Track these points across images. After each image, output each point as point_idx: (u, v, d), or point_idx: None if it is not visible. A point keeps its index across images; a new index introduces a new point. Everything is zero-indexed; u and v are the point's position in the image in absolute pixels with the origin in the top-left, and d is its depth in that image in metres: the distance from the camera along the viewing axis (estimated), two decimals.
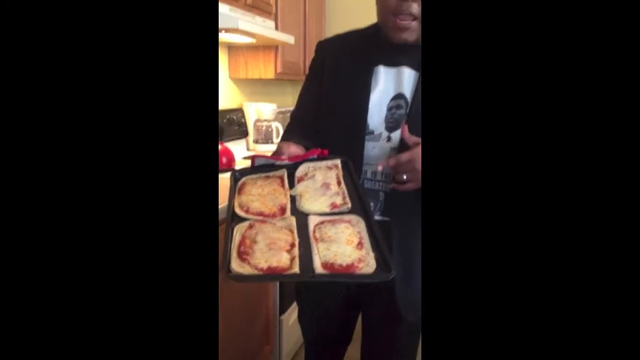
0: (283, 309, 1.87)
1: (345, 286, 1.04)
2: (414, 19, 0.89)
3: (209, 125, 0.53)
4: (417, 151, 0.84)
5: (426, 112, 0.55)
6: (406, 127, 0.89)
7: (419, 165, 0.83)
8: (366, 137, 0.95)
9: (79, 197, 0.49)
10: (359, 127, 0.95)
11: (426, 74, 0.54)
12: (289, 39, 2.30)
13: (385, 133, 0.95)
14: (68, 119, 0.49)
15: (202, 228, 0.51)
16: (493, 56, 0.50)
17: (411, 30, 0.90)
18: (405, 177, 0.85)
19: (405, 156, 0.84)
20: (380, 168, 0.88)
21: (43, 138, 0.49)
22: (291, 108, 1.16)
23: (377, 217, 0.95)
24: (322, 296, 1.10)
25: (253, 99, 2.69)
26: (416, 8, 0.88)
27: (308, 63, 1.17)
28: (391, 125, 0.95)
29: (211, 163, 0.53)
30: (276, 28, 2.35)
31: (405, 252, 0.96)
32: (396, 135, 0.94)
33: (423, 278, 0.52)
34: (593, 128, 0.47)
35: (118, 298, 0.49)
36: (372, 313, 1.09)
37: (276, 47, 2.40)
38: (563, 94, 0.48)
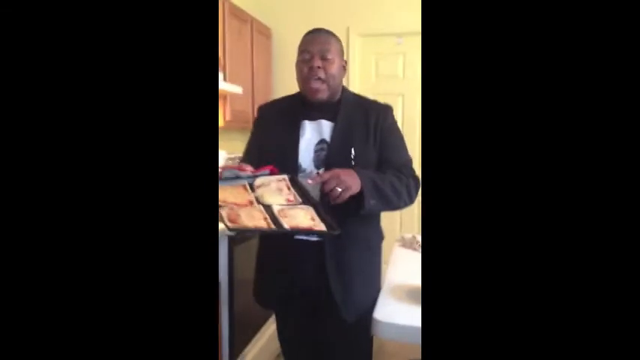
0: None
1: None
2: (323, 82, 1.21)
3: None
4: (333, 171, 1.07)
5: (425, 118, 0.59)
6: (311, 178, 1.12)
7: (342, 174, 1.06)
8: (299, 174, 1.21)
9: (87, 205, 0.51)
10: (293, 166, 1.22)
11: (426, 76, 0.61)
12: (237, 89, 2.40)
13: (315, 170, 1.23)
14: (66, 123, 0.51)
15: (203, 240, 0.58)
16: (491, 61, 0.51)
17: (322, 91, 1.22)
18: (338, 189, 1.05)
19: (326, 174, 1.07)
20: (310, 181, 1.09)
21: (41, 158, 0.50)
22: (241, 155, 1.40)
23: (313, 239, 1.22)
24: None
25: None
26: (323, 73, 1.20)
27: (256, 112, 1.35)
28: (318, 163, 1.24)
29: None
30: (225, 79, 2.45)
31: (339, 265, 1.22)
32: (322, 171, 1.20)
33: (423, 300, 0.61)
34: (589, 159, 0.47)
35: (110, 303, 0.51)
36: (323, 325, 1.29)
37: (225, 97, 2.49)
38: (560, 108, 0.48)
